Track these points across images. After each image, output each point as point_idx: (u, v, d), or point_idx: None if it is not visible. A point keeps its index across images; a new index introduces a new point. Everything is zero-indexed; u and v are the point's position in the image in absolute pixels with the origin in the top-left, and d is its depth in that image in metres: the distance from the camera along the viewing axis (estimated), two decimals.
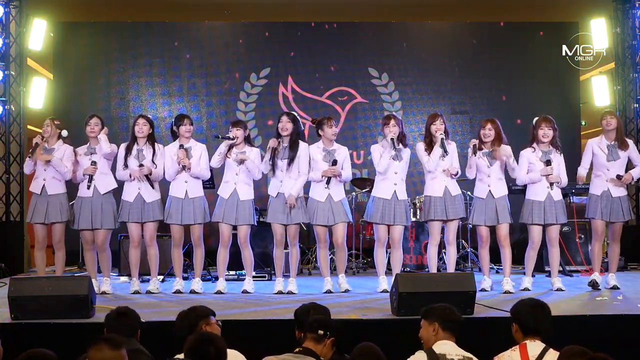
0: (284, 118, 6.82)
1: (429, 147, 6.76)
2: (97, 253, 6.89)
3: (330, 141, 6.84)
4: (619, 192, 6.78)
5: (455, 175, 6.74)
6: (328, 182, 6.71)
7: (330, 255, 7.28)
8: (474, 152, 6.72)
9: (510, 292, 6.58)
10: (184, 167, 6.76)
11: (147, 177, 6.79)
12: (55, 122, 6.90)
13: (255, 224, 6.95)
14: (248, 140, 6.89)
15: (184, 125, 6.83)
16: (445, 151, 6.66)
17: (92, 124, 6.83)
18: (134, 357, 3.29)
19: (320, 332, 3.53)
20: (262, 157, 6.87)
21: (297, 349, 3.54)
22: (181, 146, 6.77)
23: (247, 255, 6.84)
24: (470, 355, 3.62)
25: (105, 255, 6.86)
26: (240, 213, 6.76)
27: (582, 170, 6.92)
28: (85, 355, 3.12)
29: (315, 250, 8.82)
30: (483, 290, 6.62)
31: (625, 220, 6.87)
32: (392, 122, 6.78)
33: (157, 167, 6.80)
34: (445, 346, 3.62)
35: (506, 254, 6.77)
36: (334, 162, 6.70)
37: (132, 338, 3.75)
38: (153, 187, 6.83)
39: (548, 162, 6.66)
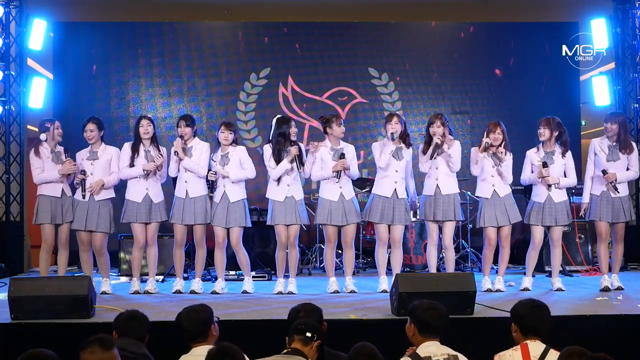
0: (292, 123, 6.85)
1: (427, 147, 6.76)
2: (95, 256, 6.90)
3: (337, 140, 6.83)
4: (618, 191, 6.73)
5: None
6: (339, 177, 6.70)
7: None
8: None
9: (502, 290, 6.64)
10: (178, 153, 6.72)
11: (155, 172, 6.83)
12: (46, 125, 6.90)
13: (250, 225, 6.92)
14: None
15: (179, 127, 6.85)
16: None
17: (87, 130, 6.84)
18: None
19: (308, 334, 3.55)
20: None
21: (285, 350, 3.56)
22: (181, 137, 6.78)
23: (242, 257, 6.81)
24: (456, 353, 3.61)
25: (103, 259, 6.86)
26: (231, 215, 6.73)
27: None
28: None
29: (315, 251, 8.85)
30: (483, 290, 6.63)
31: (627, 221, 6.85)
32: (395, 119, 6.80)
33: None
34: (430, 347, 3.60)
35: (505, 254, 6.81)
36: (342, 156, 6.68)
37: (140, 343, 3.74)
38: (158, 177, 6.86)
39: (544, 164, 6.65)
